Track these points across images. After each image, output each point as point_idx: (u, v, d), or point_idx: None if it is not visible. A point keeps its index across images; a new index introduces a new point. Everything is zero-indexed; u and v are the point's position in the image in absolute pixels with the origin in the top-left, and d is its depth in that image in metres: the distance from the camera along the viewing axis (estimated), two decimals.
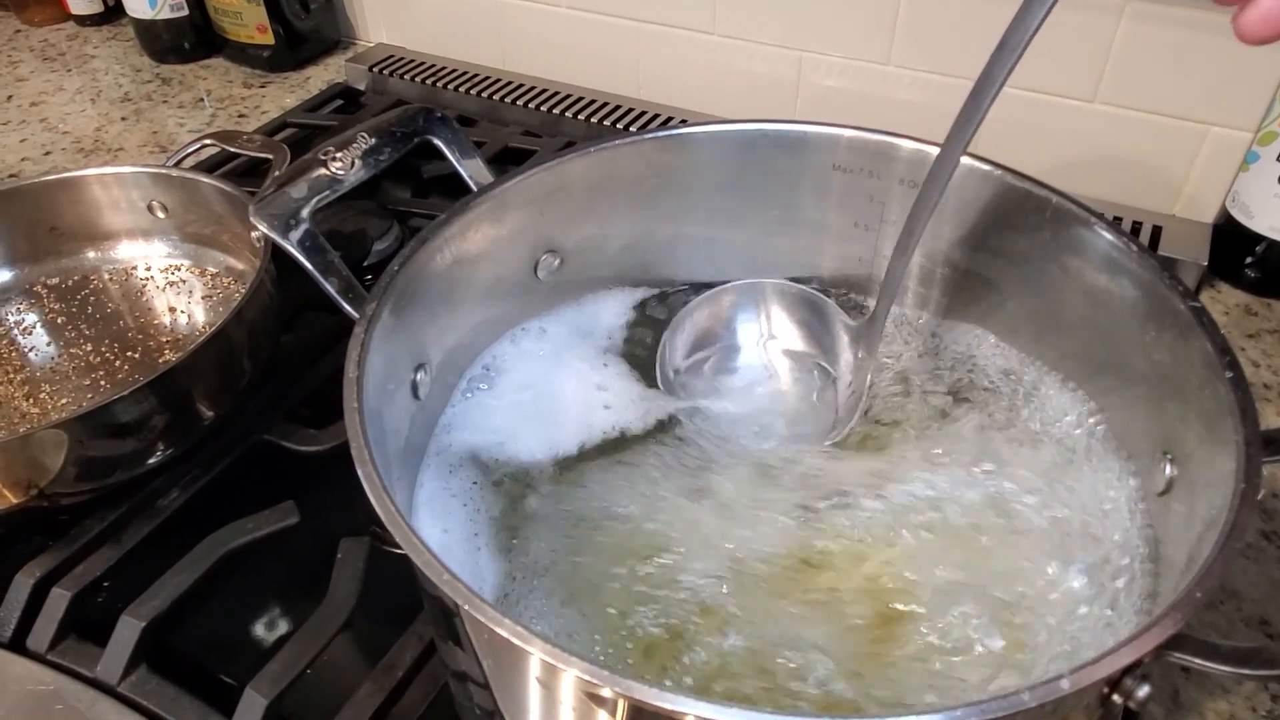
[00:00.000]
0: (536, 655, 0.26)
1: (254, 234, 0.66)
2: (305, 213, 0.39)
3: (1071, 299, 0.43)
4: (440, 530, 0.39)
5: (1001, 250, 0.45)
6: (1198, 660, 0.27)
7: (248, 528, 0.56)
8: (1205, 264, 0.72)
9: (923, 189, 0.39)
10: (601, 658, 0.35)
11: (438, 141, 0.46)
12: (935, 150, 0.42)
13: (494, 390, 0.45)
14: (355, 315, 0.35)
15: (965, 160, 0.43)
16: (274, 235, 0.39)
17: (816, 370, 0.52)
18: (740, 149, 0.47)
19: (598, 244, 0.49)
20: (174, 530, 0.58)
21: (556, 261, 0.48)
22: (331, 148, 0.41)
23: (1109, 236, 0.41)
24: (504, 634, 0.26)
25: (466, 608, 0.26)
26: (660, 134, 0.46)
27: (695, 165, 0.48)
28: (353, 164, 0.41)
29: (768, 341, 0.53)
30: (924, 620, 0.36)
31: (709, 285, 0.52)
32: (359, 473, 0.29)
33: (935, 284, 0.49)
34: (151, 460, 0.58)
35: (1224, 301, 0.72)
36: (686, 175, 0.48)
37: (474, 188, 0.44)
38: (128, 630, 0.51)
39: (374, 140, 0.42)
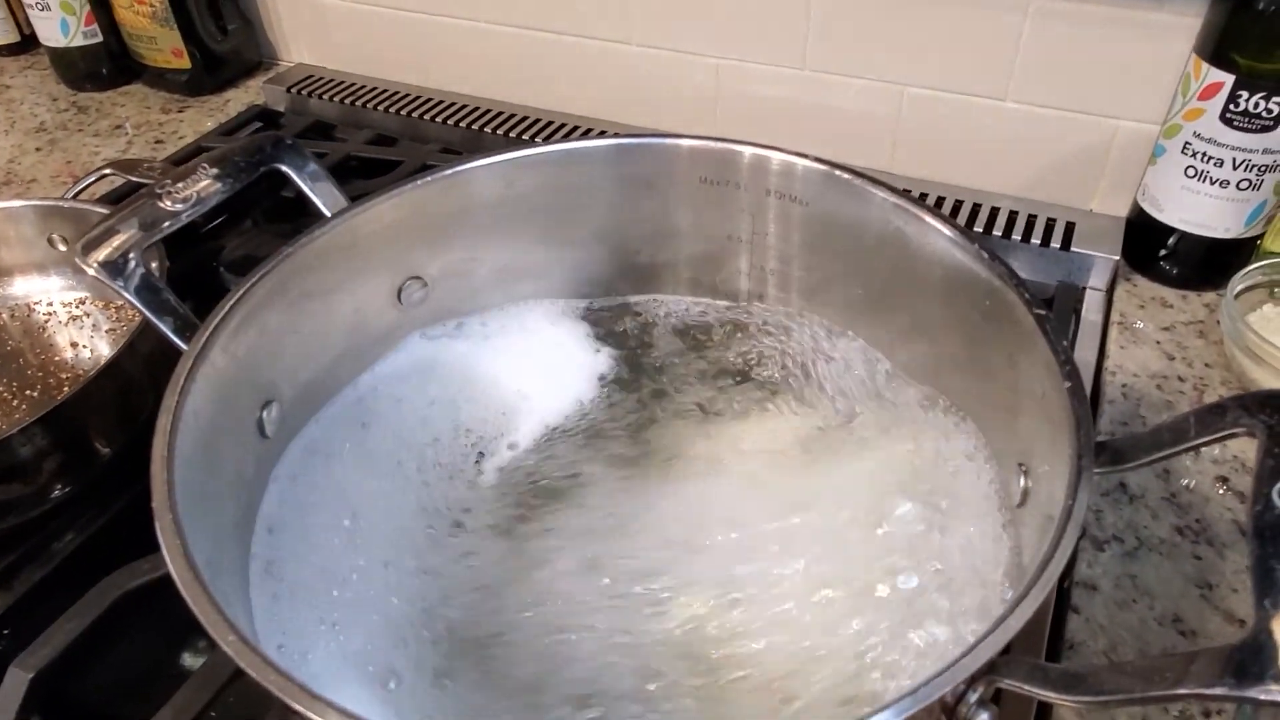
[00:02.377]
0: None
1: (152, 263, 0.65)
2: (135, 252, 0.38)
3: (930, 307, 0.42)
4: (273, 583, 0.38)
5: (861, 258, 0.45)
6: (1026, 687, 0.26)
7: (143, 569, 0.54)
8: (1118, 258, 0.72)
9: None
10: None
11: (287, 169, 0.45)
12: (780, 156, 0.41)
13: (354, 422, 0.44)
14: None
15: (809, 164, 0.43)
16: (100, 277, 0.37)
17: None
18: (603, 165, 0.46)
19: (465, 269, 0.48)
20: (70, 574, 0.56)
21: (421, 288, 0.47)
22: (169, 181, 0.40)
23: (957, 240, 0.40)
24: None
25: (270, 688, 0.25)
26: (514, 154, 0.45)
27: (558, 184, 0.47)
28: (193, 196, 0.40)
29: None
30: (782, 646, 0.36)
31: (589, 305, 0.50)
32: (156, 528, 0.28)
33: (794, 292, 0.48)
34: (46, 502, 0.56)
35: (1140, 295, 0.72)
36: (550, 195, 0.47)
37: (327, 214, 0.43)
38: (15, 682, 0.49)
39: (216, 171, 0.41)
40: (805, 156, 0.43)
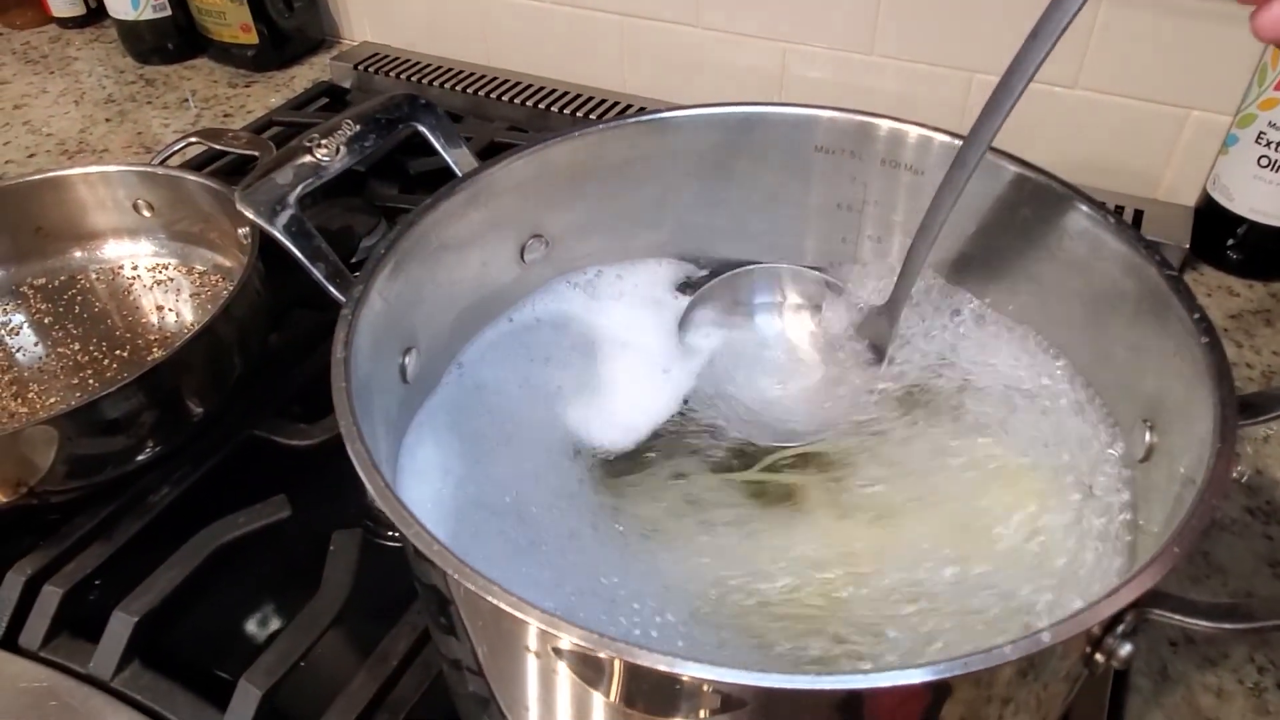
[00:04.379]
0: (533, 624, 0.26)
1: (240, 230, 0.66)
2: (291, 199, 0.39)
3: (1053, 273, 0.44)
4: (426, 511, 0.39)
5: (981, 226, 0.46)
6: (1178, 617, 0.27)
7: (239, 522, 0.56)
8: (1187, 247, 0.73)
9: (946, 180, 0.40)
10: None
11: (423, 129, 0.46)
12: (914, 130, 0.43)
13: (478, 375, 0.46)
14: (343, 300, 0.35)
15: (945, 139, 0.44)
16: (260, 221, 0.39)
17: (832, 354, 0.51)
18: (722, 132, 0.47)
19: (584, 229, 0.49)
20: (165, 526, 0.58)
21: (543, 247, 0.48)
22: (317, 135, 0.41)
23: (1086, 209, 0.42)
24: (497, 602, 0.26)
25: (457, 577, 0.27)
26: (642, 118, 0.46)
27: (678, 149, 0.48)
28: (338, 150, 0.41)
29: (785, 327, 0.52)
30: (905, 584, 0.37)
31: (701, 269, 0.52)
32: (349, 450, 0.29)
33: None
34: (141, 457, 0.58)
35: (1206, 283, 0.73)
36: (669, 159, 0.48)
37: (459, 173, 0.45)
38: (120, 626, 0.51)
39: (359, 127, 0.42)
40: (931, 128, 0.44)
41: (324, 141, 0.41)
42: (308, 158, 0.40)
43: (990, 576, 0.36)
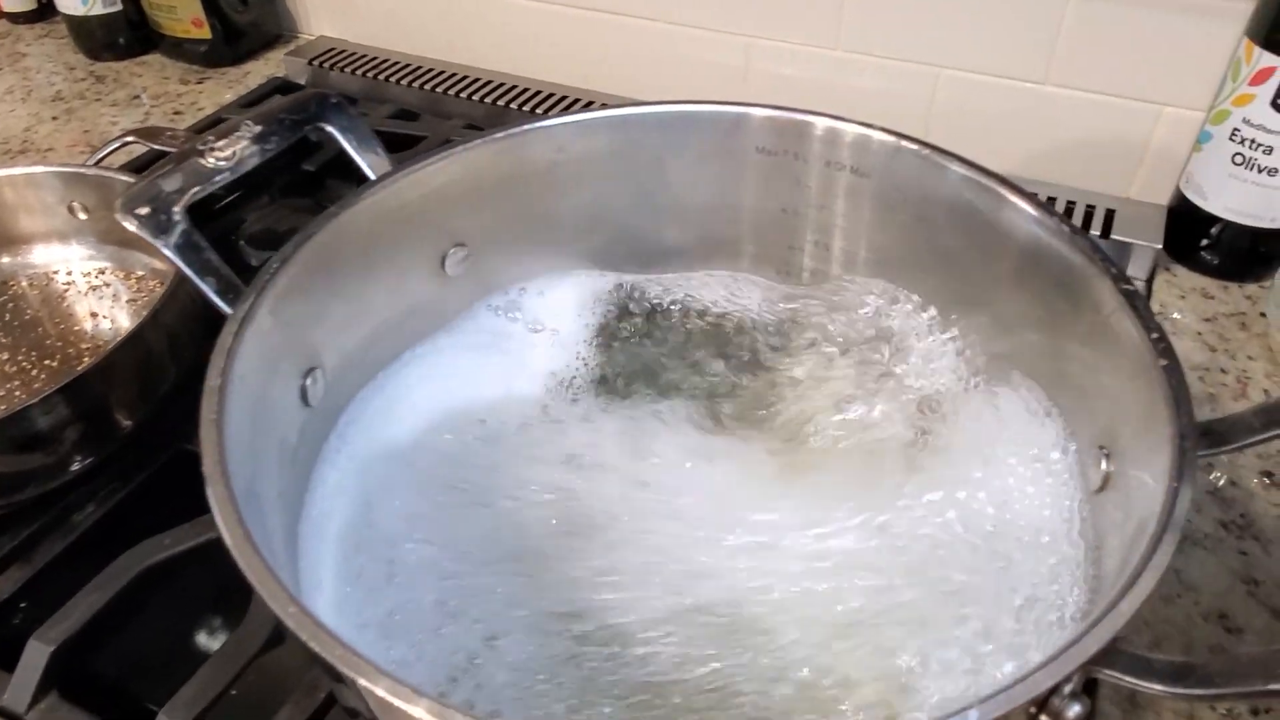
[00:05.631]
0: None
1: None
2: (179, 208, 0.36)
3: (1003, 284, 0.41)
4: (326, 556, 0.37)
5: (928, 232, 0.43)
6: (1129, 679, 0.25)
7: (165, 544, 0.53)
8: (1160, 247, 0.71)
9: None
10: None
11: (332, 129, 0.43)
12: (851, 128, 0.40)
13: (395, 396, 0.43)
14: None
15: (884, 137, 0.41)
16: (142, 233, 0.36)
17: None
18: (652, 133, 0.45)
19: (510, 237, 0.47)
20: (90, 547, 0.55)
21: (465, 255, 0.45)
22: (212, 137, 0.38)
23: (1035, 214, 0.39)
24: (382, 694, 0.24)
25: (345, 670, 0.24)
26: (567, 119, 0.43)
27: (607, 151, 0.45)
28: (234, 154, 0.38)
29: None
30: (869, 629, 0.35)
31: (631, 284, 0.49)
32: (208, 493, 0.26)
33: (859, 268, 0.46)
34: (66, 473, 0.55)
35: (1180, 285, 0.71)
36: (602, 161, 0.46)
37: (371, 177, 0.42)
38: (35, 655, 0.48)
39: (260, 128, 0.40)
40: (874, 127, 0.42)
41: (219, 145, 0.38)
42: (200, 162, 0.37)
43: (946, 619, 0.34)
